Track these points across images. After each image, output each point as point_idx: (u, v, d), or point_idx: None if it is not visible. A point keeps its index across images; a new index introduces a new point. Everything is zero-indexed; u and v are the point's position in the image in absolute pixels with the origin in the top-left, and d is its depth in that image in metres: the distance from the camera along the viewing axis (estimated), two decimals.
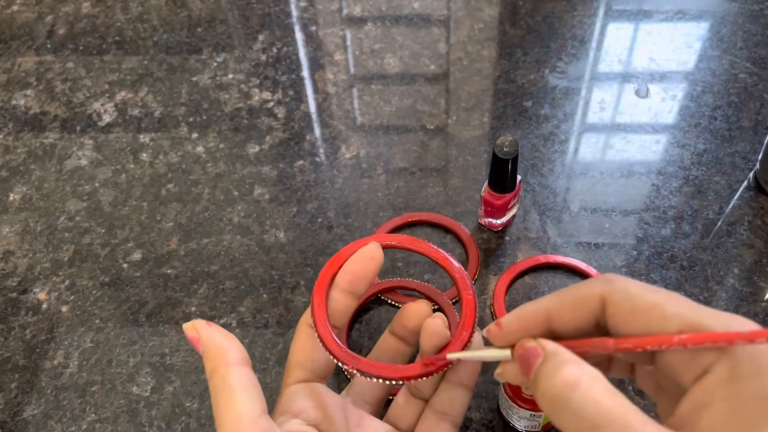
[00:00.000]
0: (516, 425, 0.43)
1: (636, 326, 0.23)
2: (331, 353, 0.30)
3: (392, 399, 0.36)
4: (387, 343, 0.34)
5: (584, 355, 0.25)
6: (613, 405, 0.21)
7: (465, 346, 0.30)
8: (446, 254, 0.33)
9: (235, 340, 0.29)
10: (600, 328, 0.25)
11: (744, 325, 0.22)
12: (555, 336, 0.26)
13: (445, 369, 0.30)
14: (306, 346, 0.32)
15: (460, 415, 0.33)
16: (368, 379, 0.30)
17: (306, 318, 0.32)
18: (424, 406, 0.34)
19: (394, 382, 0.30)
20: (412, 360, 0.32)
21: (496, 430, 0.44)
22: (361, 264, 0.31)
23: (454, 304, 0.50)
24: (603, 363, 0.29)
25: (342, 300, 0.31)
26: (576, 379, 0.22)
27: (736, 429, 0.20)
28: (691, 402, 0.22)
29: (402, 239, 0.33)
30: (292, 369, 0.32)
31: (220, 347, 0.28)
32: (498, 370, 0.28)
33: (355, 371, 0.30)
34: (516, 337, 0.26)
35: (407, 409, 0.34)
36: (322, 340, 0.30)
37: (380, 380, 0.30)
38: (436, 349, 0.30)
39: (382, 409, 0.35)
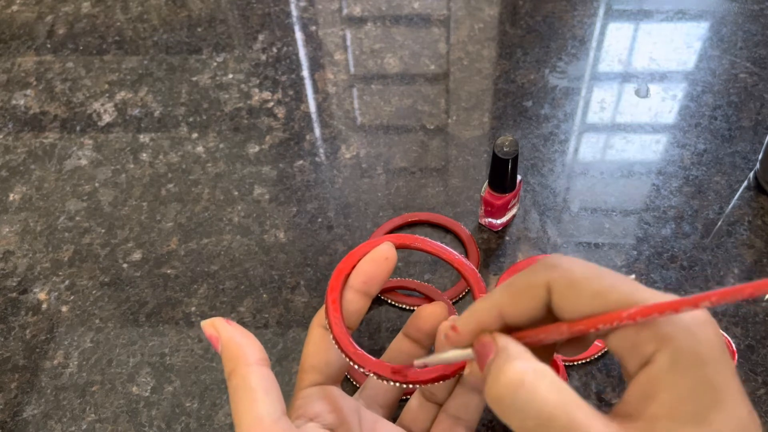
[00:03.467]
0: None
1: (581, 314, 0.23)
2: (347, 356, 0.30)
3: (406, 399, 0.36)
4: (400, 346, 0.34)
5: (540, 343, 0.25)
6: (558, 401, 0.21)
7: None
8: (459, 255, 0.32)
9: (255, 340, 0.29)
10: (553, 312, 0.25)
11: None
12: (511, 328, 0.25)
13: (460, 374, 0.30)
14: (320, 349, 0.31)
15: (475, 420, 0.33)
16: (384, 382, 0.29)
17: (318, 319, 0.32)
18: (438, 410, 0.33)
19: (410, 386, 0.30)
20: None
21: (496, 430, 0.44)
22: (376, 264, 0.31)
23: (454, 303, 0.50)
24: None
25: (356, 301, 0.31)
26: (520, 377, 0.22)
27: (680, 418, 0.21)
28: (636, 390, 0.22)
29: (415, 239, 0.32)
30: (305, 372, 0.32)
31: (240, 347, 0.28)
32: (466, 371, 0.27)
33: (371, 374, 0.29)
34: (473, 336, 0.26)
35: (421, 413, 0.33)
36: (338, 343, 0.30)
37: (397, 384, 0.29)
38: None
39: (394, 411, 0.35)
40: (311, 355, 0.31)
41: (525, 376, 0.22)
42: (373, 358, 0.30)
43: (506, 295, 0.25)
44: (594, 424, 0.21)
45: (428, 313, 0.32)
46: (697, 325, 0.22)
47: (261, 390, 0.27)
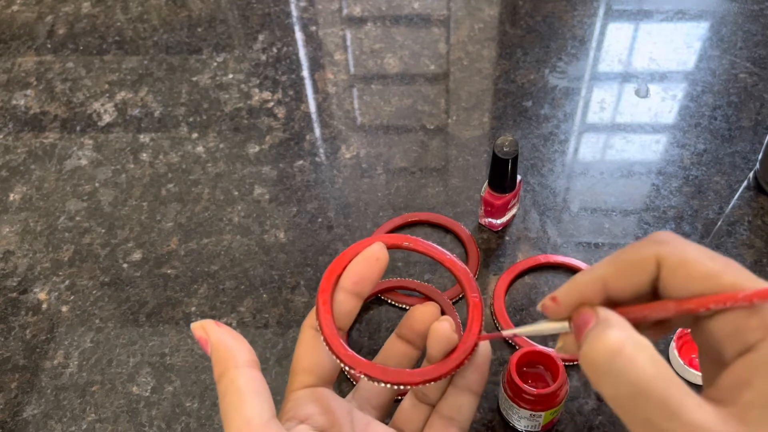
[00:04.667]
0: (516, 425, 0.43)
1: (691, 293, 0.23)
2: (338, 357, 0.29)
3: (400, 399, 0.36)
4: (393, 347, 0.34)
5: (644, 320, 0.24)
6: (654, 374, 0.21)
7: (471, 352, 0.30)
8: (451, 255, 0.32)
9: (244, 342, 0.29)
10: (656, 289, 0.25)
11: None
12: (612, 302, 0.25)
13: (453, 374, 0.30)
14: (311, 350, 0.31)
15: (468, 421, 0.32)
16: (375, 383, 0.29)
17: (309, 321, 0.31)
18: (431, 411, 0.33)
19: (402, 387, 0.29)
20: (419, 364, 0.32)
21: (496, 430, 0.44)
22: (367, 265, 0.30)
23: (454, 303, 0.50)
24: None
25: (347, 302, 0.31)
26: (619, 345, 0.22)
27: None
28: (733, 377, 0.22)
29: (406, 239, 0.32)
30: (297, 374, 0.31)
31: (229, 349, 0.28)
32: (558, 344, 0.27)
33: (362, 376, 0.29)
34: (572, 309, 0.26)
35: (414, 414, 0.33)
36: (328, 344, 0.30)
37: (389, 385, 0.29)
38: (444, 353, 0.30)
39: (388, 413, 0.35)
40: (302, 357, 0.31)
41: (624, 345, 0.22)
42: (364, 360, 0.29)
43: (613, 268, 0.25)
44: (688, 403, 0.21)
45: (420, 313, 0.32)
46: None
47: (250, 392, 0.27)
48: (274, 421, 0.27)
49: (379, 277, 0.31)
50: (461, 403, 0.32)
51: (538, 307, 0.27)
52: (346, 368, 0.29)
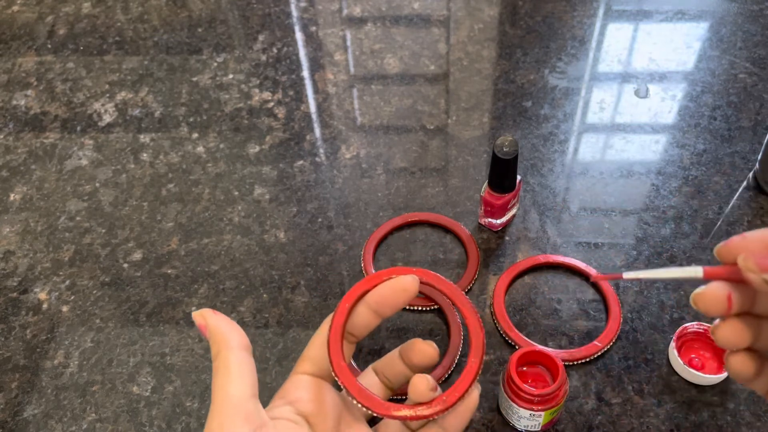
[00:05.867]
0: (516, 425, 0.43)
1: None
2: (329, 357, 0.32)
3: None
4: (393, 361, 0.36)
5: None
6: None
7: (446, 410, 0.32)
8: (477, 318, 0.33)
9: (238, 328, 0.32)
10: None
11: None
12: None
13: (433, 419, 0.32)
14: (322, 343, 0.33)
15: None
16: (352, 400, 0.32)
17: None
18: None
19: (367, 410, 0.32)
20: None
21: (496, 430, 0.44)
22: (392, 291, 0.33)
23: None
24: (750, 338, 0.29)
25: (365, 315, 0.33)
26: None
27: None
28: None
29: (437, 280, 0.34)
30: (303, 359, 0.34)
31: (223, 333, 0.31)
32: (697, 293, 0.28)
33: (340, 383, 0.32)
34: (752, 249, 0.27)
35: (395, 430, 0.35)
36: (328, 346, 0.32)
37: (363, 408, 0.31)
38: (419, 403, 0.32)
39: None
40: (313, 346, 0.34)
41: None
42: (350, 374, 0.32)
43: None
44: None
45: (419, 351, 0.34)
46: None
47: (236, 372, 0.30)
48: (252, 400, 0.30)
49: (401, 306, 0.33)
50: None
51: (717, 249, 0.28)
52: (332, 372, 0.32)
